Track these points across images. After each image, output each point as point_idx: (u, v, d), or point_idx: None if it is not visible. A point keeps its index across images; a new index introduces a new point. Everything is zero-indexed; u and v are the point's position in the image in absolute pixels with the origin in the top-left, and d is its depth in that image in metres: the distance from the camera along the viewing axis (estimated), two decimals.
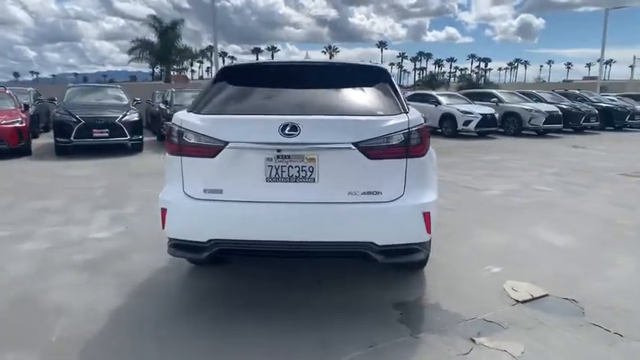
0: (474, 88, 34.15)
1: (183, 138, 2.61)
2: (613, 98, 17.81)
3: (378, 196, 2.53)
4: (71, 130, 9.24)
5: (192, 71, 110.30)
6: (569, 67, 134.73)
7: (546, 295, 3.03)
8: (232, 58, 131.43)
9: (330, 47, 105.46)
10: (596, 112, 15.39)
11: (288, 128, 2.46)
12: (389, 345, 2.45)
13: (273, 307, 2.89)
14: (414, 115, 2.64)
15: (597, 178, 7.23)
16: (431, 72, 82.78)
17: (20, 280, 3.29)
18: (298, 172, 2.51)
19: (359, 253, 2.59)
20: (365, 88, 2.86)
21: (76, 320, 2.71)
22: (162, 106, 12.53)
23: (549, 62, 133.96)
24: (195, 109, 2.78)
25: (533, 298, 2.99)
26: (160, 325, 2.68)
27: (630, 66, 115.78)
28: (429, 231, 2.62)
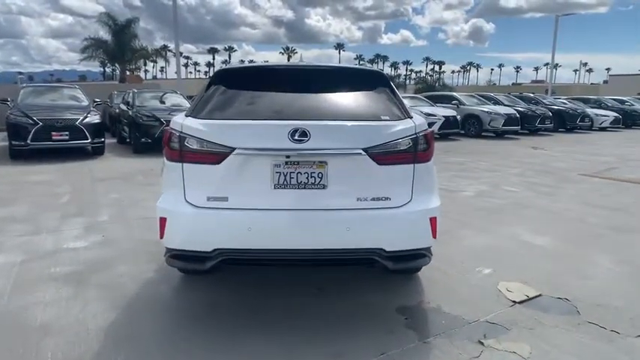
0: (431, 90, 35.14)
1: (185, 144, 2.49)
2: (564, 101, 18.88)
3: (387, 202, 2.53)
4: (28, 132, 8.67)
5: (146, 71, 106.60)
6: (517, 71, 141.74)
7: (540, 295, 3.14)
8: (187, 58, 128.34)
9: (287, 48, 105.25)
10: (550, 114, 16.26)
11: (298, 134, 2.40)
12: (400, 352, 2.44)
13: (277, 317, 2.82)
14: (420, 121, 2.66)
15: (560, 179, 7.62)
16: (388, 74, 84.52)
17: None
18: (307, 178, 2.46)
19: (368, 259, 2.57)
20: (367, 93, 2.85)
21: (68, 339, 2.52)
22: (123, 107, 12.00)
23: (500, 66, 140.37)
24: (193, 113, 2.66)
25: (529, 299, 3.08)
26: (161, 340, 2.55)
27: (575, 70, 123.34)
28: (434, 236, 2.65)
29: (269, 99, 2.79)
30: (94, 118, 9.71)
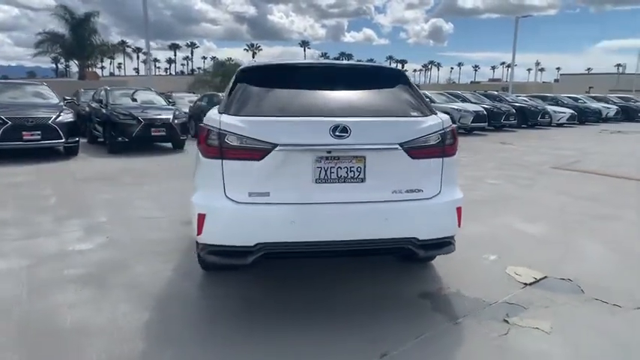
0: None
1: (225, 141, 2.54)
2: (525, 99, 19.86)
3: (420, 194, 2.68)
4: None
5: (102, 67, 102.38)
6: (476, 70, 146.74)
7: (545, 277, 3.40)
8: (147, 54, 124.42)
9: (252, 45, 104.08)
10: (514, 111, 17.08)
11: (338, 130, 2.51)
12: (435, 333, 2.61)
13: (307, 307, 2.91)
14: (445, 117, 2.83)
15: (535, 172, 8.09)
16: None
17: (14, 301, 2.94)
18: (347, 172, 2.57)
19: (402, 248, 2.72)
20: (391, 90, 2.99)
21: (108, 339, 2.51)
22: (94, 105, 11.59)
23: (459, 64, 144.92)
24: (228, 110, 2.70)
25: (537, 281, 3.33)
26: (200, 336, 2.59)
27: (529, 69, 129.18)
28: (459, 225, 2.83)
29: (302, 96, 2.87)
30: (68, 117, 9.35)
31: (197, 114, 13.67)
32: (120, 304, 2.91)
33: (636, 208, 5.57)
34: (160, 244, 4.10)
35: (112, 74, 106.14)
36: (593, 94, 26.98)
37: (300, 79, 2.99)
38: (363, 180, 2.59)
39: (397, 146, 2.59)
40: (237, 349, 2.45)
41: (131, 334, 2.58)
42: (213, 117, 2.66)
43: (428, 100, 3.24)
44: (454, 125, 2.83)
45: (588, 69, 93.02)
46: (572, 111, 19.69)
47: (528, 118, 17.90)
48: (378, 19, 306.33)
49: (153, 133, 10.14)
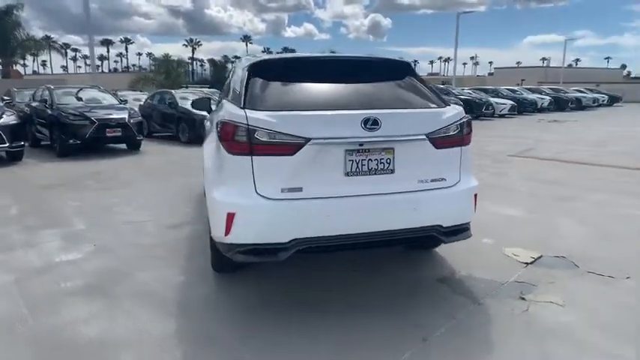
0: None
1: (255, 137, 2.48)
2: (470, 91, 20.92)
3: (443, 182, 2.77)
4: None
5: (25, 65, 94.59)
6: (415, 64, 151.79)
7: (541, 256, 3.64)
8: (76, 50, 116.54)
9: (191, 40, 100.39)
10: (462, 103, 17.91)
11: (370, 122, 2.53)
12: (465, 315, 2.73)
13: (332, 303, 2.92)
14: (460, 108, 2.94)
15: (497, 160, 8.58)
16: None
17: (16, 319, 2.69)
18: (377, 164, 2.60)
19: (428, 236, 2.80)
20: (403, 81, 3.06)
21: (142, 350, 2.38)
22: (36, 105, 10.71)
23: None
24: (249, 105, 2.63)
25: (535, 260, 3.57)
26: (237, 337, 2.52)
27: (464, 63, 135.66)
28: (475, 211, 2.97)
29: (324, 89, 2.86)
30: (11, 119, 8.58)
31: (149, 113, 13.07)
32: (138, 314, 2.76)
33: (592, 188, 6.09)
34: (155, 248, 3.91)
35: (35, 72, 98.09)
36: (528, 87, 28.99)
37: (316, 73, 2.97)
38: (392, 171, 2.63)
39: (424, 137, 2.66)
40: (281, 341, 2.42)
41: (166, 341, 2.46)
42: (237, 112, 2.58)
43: None
44: (469, 116, 2.95)
45: (518, 62, 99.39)
46: (512, 102, 21.02)
47: (474, 110, 18.86)
48: (318, 13, 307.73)
49: (108, 134, 9.55)
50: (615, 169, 7.56)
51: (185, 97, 12.88)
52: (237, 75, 3.23)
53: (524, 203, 5.34)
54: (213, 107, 4.43)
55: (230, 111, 2.67)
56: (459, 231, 2.88)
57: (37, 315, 2.75)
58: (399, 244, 3.13)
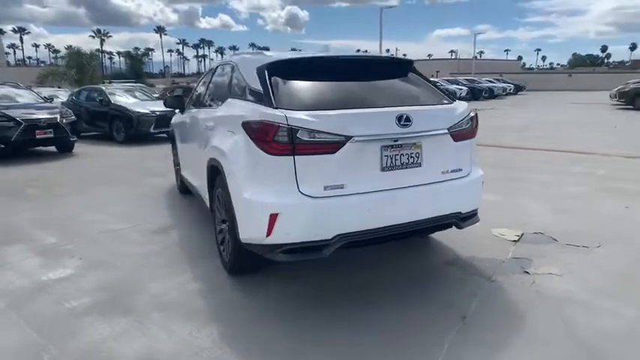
0: None
1: (297, 136, 2.49)
2: None
3: (460, 173, 3.00)
4: None
5: None
6: None
7: (523, 233, 4.06)
8: None
9: (99, 31, 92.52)
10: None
11: (403, 119, 2.66)
12: (487, 292, 2.99)
13: (360, 299, 3.03)
14: (465, 103, 3.18)
15: None
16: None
17: (35, 349, 2.44)
18: (408, 158, 2.74)
19: (449, 223, 3.01)
20: (411, 79, 3.23)
21: None
22: None
23: None
24: (280, 105, 2.63)
25: (520, 237, 3.97)
26: (292, 334, 2.53)
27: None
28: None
29: (347, 88, 2.93)
30: None
31: (75, 112, 11.92)
32: (174, 326, 2.64)
33: (535, 170, 6.82)
34: (151, 256, 3.72)
35: None
36: (446, 78, 31.09)
37: (335, 72, 3.04)
38: (420, 164, 2.79)
39: (446, 131, 2.86)
40: (329, 335, 2.48)
41: (220, 350, 2.39)
42: (271, 112, 2.56)
43: None
44: (476, 110, 3.20)
45: (429, 55, 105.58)
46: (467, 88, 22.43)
47: None
48: (234, 4, 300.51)
49: (37, 136, 8.67)
50: (545, 152, 8.50)
51: (115, 93, 12.07)
52: (243, 74, 3.19)
53: (489, 187, 5.80)
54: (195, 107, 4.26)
55: (261, 111, 2.64)
56: (472, 216, 3.13)
57: (57, 341, 2.52)
58: (427, 233, 3.29)
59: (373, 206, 2.64)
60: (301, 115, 2.53)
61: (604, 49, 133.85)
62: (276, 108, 2.61)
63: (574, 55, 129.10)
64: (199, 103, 4.36)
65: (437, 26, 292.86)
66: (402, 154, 2.72)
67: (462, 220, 3.04)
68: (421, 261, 3.55)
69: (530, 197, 5.29)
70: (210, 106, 3.94)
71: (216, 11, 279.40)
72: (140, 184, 6.44)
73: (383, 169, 2.68)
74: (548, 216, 4.60)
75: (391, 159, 2.69)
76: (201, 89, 4.61)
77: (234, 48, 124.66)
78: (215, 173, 3.35)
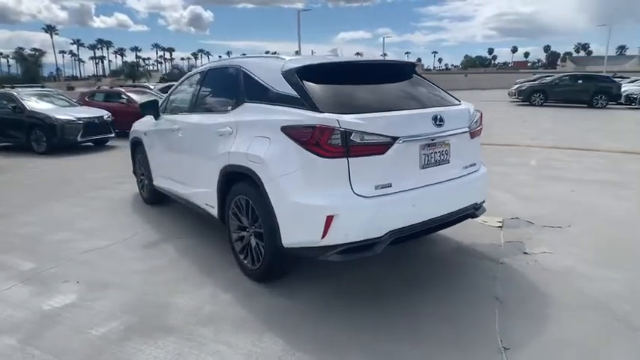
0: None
1: (351, 139, 2.55)
2: None
3: (474, 167, 3.28)
4: None
5: None
6: None
7: (503, 220, 4.51)
8: None
9: None
10: None
11: (438, 119, 2.86)
12: (503, 274, 3.30)
13: (380, 290, 3.19)
14: (470, 104, 3.47)
15: None
16: (133, 62, 76.47)
17: None
18: (440, 156, 2.95)
19: (469, 213, 3.27)
20: (422, 81, 3.44)
21: None
22: None
23: (228, 53, 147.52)
24: (325, 108, 2.67)
25: (501, 223, 4.41)
26: (361, 337, 2.60)
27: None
28: None
29: (379, 90, 3.04)
30: None
31: None
32: (227, 339, 2.55)
33: (488, 162, 7.50)
34: (158, 272, 3.50)
35: None
36: None
37: (364, 75, 3.17)
38: (448, 161, 3.02)
39: (467, 129, 3.12)
40: (389, 324, 2.59)
41: (294, 354, 2.38)
42: (324, 116, 2.60)
43: None
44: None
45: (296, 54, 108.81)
46: None
47: None
48: (131, 3, 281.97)
49: None
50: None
51: (30, 99, 10.81)
52: (260, 77, 3.21)
53: None
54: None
55: (308, 115, 2.66)
56: (482, 206, 3.44)
57: None
58: (454, 224, 3.44)
59: (416, 202, 2.80)
60: (352, 118, 2.60)
61: (490, 51, 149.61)
62: (322, 112, 2.65)
63: (466, 56, 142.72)
64: (189, 109, 4.17)
65: (341, 29, 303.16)
66: (435, 152, 2.92)
67: (477, 209, 3.33)
68: (429, 251, 3.80)
69: (495, 187, 5.82)
70: (211, 111, 3.80)
71: (112, 10, 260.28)
72: (91, 197, 5.91)
73: (422, 167, 2.85)
74: (515, 203, 5.15)
75: (427, 157, 2.87)
76: (186, 94, 4.40)
77: (136, 49, 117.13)
78: (233, 180, 3.27)
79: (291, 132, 2.70)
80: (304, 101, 2.78)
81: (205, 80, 4.07)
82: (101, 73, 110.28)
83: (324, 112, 2.65)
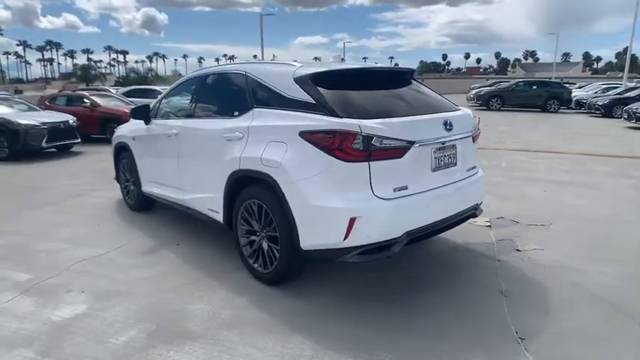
0: (144, 82, 33.78)
1: (372, 143, 2.66)
2: None
3: (475, 170, 3.48)
4: None
5: None
6: (200, 62, 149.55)
7: (490, 219, 4.77)
8: None
9: None
10: None
11: (448, 124, 3.02)
12: (503, 270, 3.51)
13: (389, 290, 3.32)
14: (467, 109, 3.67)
15: None
16: (86, 64, 72.78)
17: None
18: (448, 159, 3.11)
19: (472, 213, 3.45)
20: (422, 87, 3.60)
21: None
22: None
23: (184, 56, 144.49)
24: (345, 114, 2.75)
25: (490, 223, 4.66)
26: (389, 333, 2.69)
27: (247, 61, 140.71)
28: None
29: (391, 96, 3.17)
30: None
31: None
32: (254, 342, 2.58)
33: None
34: (165, 278, 3.45)
35: None
36: None
37: (374, 82, 3.28)
38: (455, 164, 3.19)
39: (470, 133, 3.31)
40: (409, 321, 2.71)
41: (326, 353, 2.44)
42: (345, 121, 2.68)
43: None
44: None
45: (295, 61, 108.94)
46: None
47: None
48: (80, 3, 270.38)
49: None
50: None
51: None
52: (270, 83, 3.25)
53: None
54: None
55: (328, 120, 2.73)
56: (479, 207, 3.64)
57: None
58: (459, 224, 3.59)
59: (429, 203, 2.94)
60: (372, 123, 2.70)
61: (444, 57, 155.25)
62: (341, 117, 2.74)
63: (421, 62, 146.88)
64: (187, 114, 4.13)
65: (299, 33, 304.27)
66: (445, 156, 3.08)
67: (477, 210, 3.52)
68: (428, 251, 3.96)
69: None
70: (214, 116, 3.79)
71: (60, 10, 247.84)
72: (71, 205, 5.68)
73: (433, 170, 3.00)
74: (496, 203, 5.43)
75: (438, 160, 3.03)
76: (182, 99, 4.36)
77: (88, 51, 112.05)
78: (243, 185, 3.29)
79: (311, 137, 2.77)
80: (321, 107, 2.85)
81: (205, 85, 4.05)
82: (50, 76, 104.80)
83: (343, 118, 2.74)
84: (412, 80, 3.57)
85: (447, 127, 3.03)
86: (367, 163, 2.68)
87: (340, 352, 2.48)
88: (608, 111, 18.30)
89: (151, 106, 4.76)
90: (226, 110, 3.64)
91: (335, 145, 2.67)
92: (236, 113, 3.46)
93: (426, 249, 4.00)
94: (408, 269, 3.59)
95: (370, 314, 2.88)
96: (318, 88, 2.97)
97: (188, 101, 4.20)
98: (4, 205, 5.69)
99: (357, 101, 2.97)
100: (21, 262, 3.80)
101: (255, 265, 3.33)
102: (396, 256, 3.68)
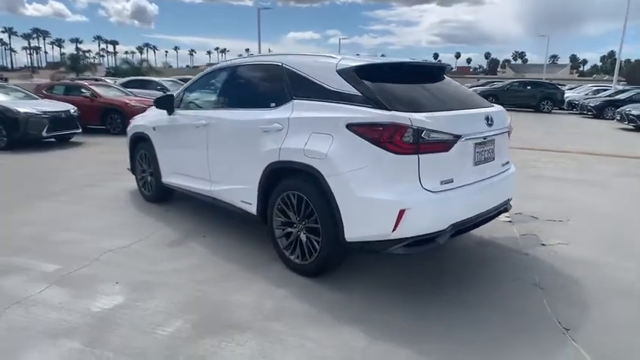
0: (137, 73, 33.29)
1: (422, 137, 2.67)
2: None
3: (508, 165, 3.52)
4: None
5: None
6: (192, 54, 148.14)
7: (510, 215, 4.82)
8: None
9: None
10: None
11: (489, 119, 3.05)
12: (534, 263, 3.56)
13: (424, 282, 3.35)
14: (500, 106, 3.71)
15: None
16: (75, 54, 71.35)
17: None
18: (488, 153, 3.14)
19: (505, 208, 3.49)
20: (455, 82, 3.63)
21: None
22: None
23: (176, 48, 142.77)
24: (391, 107, 2.76)
25: (510, 218, 4.72)
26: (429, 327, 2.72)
27: (239, 55, 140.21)
28: None
29: (434, 90, 3.17)
30: None
31: None
32: (307, 334, 2.58)
33: None
34: (199, 270, 3.42)
35: None
36: None
37: (416, 76, 3.29)
38: (493, 158, 3.22)
39: (507, 129, 3.34)
40: (453, 315, 2.74)
41: (387, 343, 2.45)
42: (396, 114, 2.69)
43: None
44: None
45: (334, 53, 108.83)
46: None
47: None
48: None
49: None
50: None
51: None
52: (310, 75, 3.23)
53: None
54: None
55: (378, 113, 2.73)
56: (509, 201, 3.69)
57: None
58: (495, 217, 3.62)
59: (472, 196, 2.98)
60: (421, 117, 2.71)
61: (435, 56, 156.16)
62: (390, 110, 2.74)
63: None
64: (216, 104, 4.10)
65: (290, 29, 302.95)
66: (485, 150, 3.11)
67: (507, 204, 3.57)
68: (455, 244, 3.99)
69: None
70: (249, 107, 3.73)
71: None
72: (83, 195, 5.59)
73: (475, 164, 3.03)
74: (513, 200, 5.47)
75: (480, 154, 3.06)
76: (209, 90, 4.31)
77: (76, 40, 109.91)
78: (280, 176, 3.29)
79: (360, 129, 2.77)
80: (368, 99, 2.85)
81: (236, 76, 4.01)
82: (36, 65, 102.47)
83: (392, 110, 2.74)
84: (445, 76, 3.59)
85: (489, 122, 3.07)
86: (417, 155, 2.69)
87: (394, 341, 2.50)
88: (599, 112, 18.66)
89: (175, 94, 4.70)
90: (262, 101, 3.60)
91: (385, 137, 2.67)
92: (273, 104, 3.43)
93: (453, 243, 4.03)
94: (436, 263, 3.62)
95: (411, 306, 2.90)
96: (363, 81, 2.96)
97: (217, 92, 4.17)
98: (12, 195, 5.57)
99: (403, 95, 2.98)
100: (44, 252, 3.73)
101: (292, 257, 3.32)
102: (426, 251, 3.77)
